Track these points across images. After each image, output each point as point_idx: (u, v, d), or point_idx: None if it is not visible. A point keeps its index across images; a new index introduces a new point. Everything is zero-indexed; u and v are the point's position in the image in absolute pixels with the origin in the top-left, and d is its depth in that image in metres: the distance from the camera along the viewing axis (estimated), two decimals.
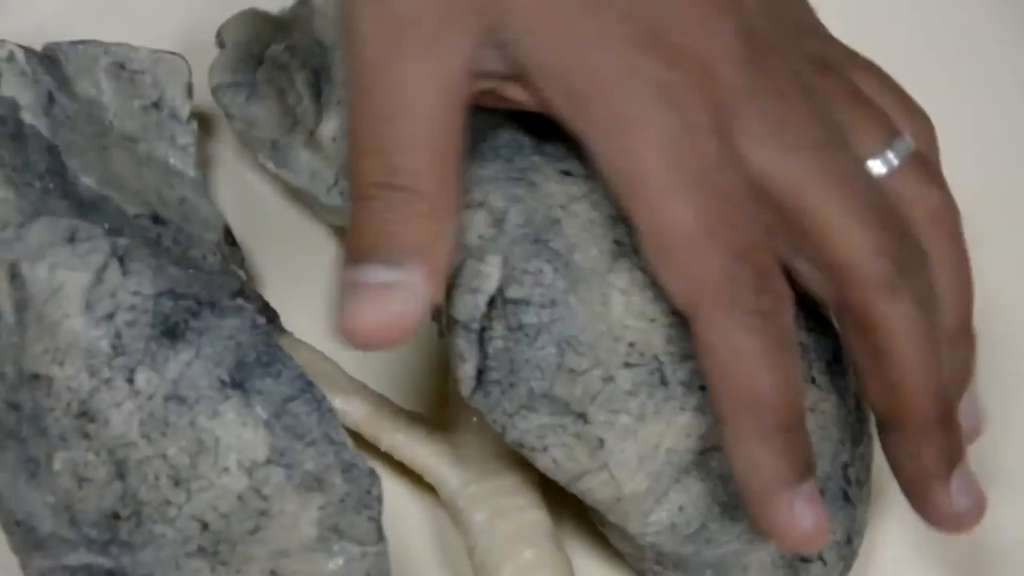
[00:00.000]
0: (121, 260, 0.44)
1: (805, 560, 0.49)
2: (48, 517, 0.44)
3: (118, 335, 0.44)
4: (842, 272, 0.44)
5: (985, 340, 0.49)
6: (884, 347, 0.44)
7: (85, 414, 0.43)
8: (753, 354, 0.42)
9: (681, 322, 0.45)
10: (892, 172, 0.45)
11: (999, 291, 0.55)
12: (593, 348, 0.45)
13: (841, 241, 0.43)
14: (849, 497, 0.49)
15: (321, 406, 0.45)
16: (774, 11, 0.46)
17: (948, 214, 0.46)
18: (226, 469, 0.44)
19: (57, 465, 0.44)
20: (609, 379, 0.46)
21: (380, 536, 0.45)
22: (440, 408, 0.51)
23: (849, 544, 0.49)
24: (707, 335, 0.43)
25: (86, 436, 0.43)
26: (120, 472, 0.43)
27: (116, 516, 0.44)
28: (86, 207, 0.48)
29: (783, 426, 0.43)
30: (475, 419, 0.50)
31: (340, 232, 0.56)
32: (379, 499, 0.45)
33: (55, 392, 0.44)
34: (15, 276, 0.44)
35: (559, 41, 0.43)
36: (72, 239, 0.44)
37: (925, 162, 0.46)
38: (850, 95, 0.46)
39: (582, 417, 0.46)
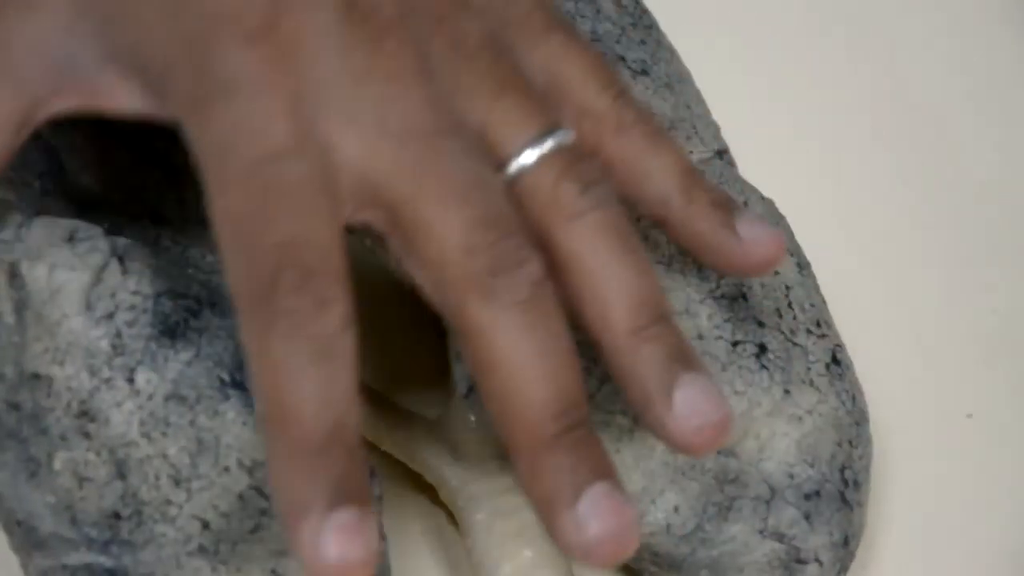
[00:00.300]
0: (121, 260, 0.44)
1: (801, 561, 0.49)
2: (48, 517, 0.44)
3: (118, 335, 0.44)
4: (434, 272, 0.40)
5: (1002, 343, 0.48)
6: (480, 356, 0.40)
7: (85, 414, 0.43)
8: (282, 360, 0.38)
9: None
10: (527, 169, 0.42)
11: (1001, 292, 0.55)
12: (589, 349, 0.45)
13: (433, 239, 0.40)
14: (847, 499, 0.49)
15: None
16: None
17: (588, 211, 0.41)
18: (227, 468, 0.44)
19: (57, 465, 0.44)
20: (605, 380, 0.46)
21: (380, 535, 0.45)
22: (440, 408, 0.51)
23: (846, 546, 0.49)
24: (241, 332, 0.39)
25: (86, 436, 0.43)
26: (121, 471, 0.43)
27: (117, 515, 0.44)
28: (86, 207, 0.48)
29: (311, 446, 0.38)
30: (474, 418, 0.50)
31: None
32: (379, 498, 0.45)
33: (55, 392, 0.44)
34: (15, 276, 0.44)
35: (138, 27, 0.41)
36: (72, 239, 0.44)
37: (574, 157, 0.42)
38: (499, 82, 0.42)
39: None
